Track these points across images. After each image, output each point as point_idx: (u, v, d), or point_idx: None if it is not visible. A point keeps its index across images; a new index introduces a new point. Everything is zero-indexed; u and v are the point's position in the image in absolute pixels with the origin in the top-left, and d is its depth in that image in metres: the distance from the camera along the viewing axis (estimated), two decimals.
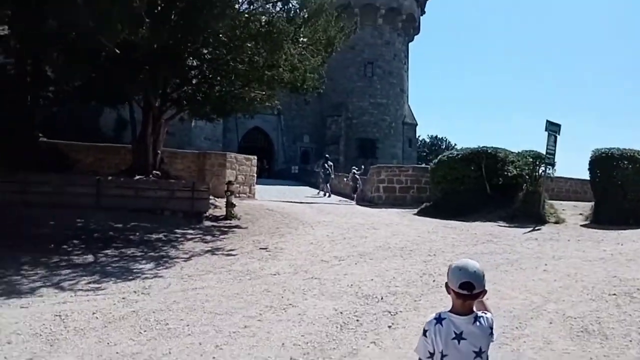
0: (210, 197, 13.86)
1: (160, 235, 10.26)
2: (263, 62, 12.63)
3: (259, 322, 5.30)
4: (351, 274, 7.48)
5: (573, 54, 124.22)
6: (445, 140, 60.34)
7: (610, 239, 10.47)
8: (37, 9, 10.59)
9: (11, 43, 13.30)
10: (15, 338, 4.64)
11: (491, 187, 15.32)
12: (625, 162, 13.22)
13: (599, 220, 12.89)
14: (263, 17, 12.48)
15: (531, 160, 15.35)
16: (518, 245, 9.83)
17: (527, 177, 15.18)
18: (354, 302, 6.08)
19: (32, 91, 13.81)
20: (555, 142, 14.26)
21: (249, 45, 12.30)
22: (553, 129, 14.18)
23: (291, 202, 17.33)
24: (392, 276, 7.36)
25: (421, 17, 44.61)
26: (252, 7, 12.55)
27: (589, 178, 14.37)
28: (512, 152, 16.20)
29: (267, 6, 12.81)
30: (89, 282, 6.83)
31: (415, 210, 15.73)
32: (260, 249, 9.46)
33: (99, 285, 6.67)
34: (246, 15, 12.10)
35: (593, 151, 13.90)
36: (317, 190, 23.78)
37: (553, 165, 14.70)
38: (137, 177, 13.09)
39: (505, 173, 15.43)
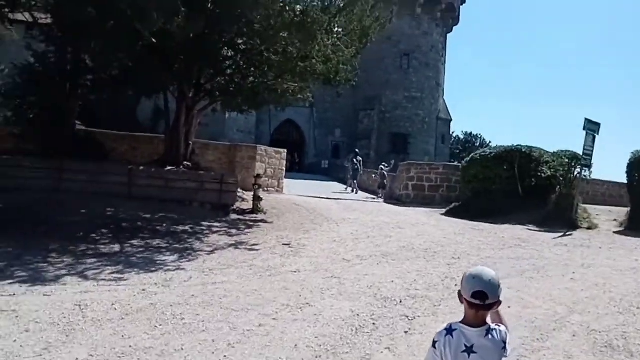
0: (239, 189, 13.95)
1: (187, 227, 10.39)
2: (297, 53, 12.57)
3: (274, 320, 5.31)
4: (372, 275, 7.41)
5: (629, 46, 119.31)
6: (480, 138, 58.97)
7: None
8: None
9: (53, 31, 13.69)
10: (34, 326, 4.76)
11: (523, 188, 14.89)
12: None
13: (634, 227, 12.35)
14: (298, 6, 12.40)
15: (567, 161, 14.86)
16: (547, 251, 9.56)
17: (561, 178, 14.70)
18: (372, 304, 6.03)
19: (71, 80, 14.16)
20: (593, 142, 13.63)
21: (283, 35, 12.25)
22: (592, 128, 13.50)
23: (318, 197, 17.29)
24: (413, 278, 7.26)
25: (461, 7, 43.39)
26: None
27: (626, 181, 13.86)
28: (547, 152, 15.69)
29: None
30: (113, 272, 6.97)
31: (444, 210, 15.49)
32: (283, 244, 9.47)
33: (122, 276, 6.80)
34: (281, 4, 12.05)
35: (633, 153, 13.36)
36: (345, 186, 23.69)
37: (589, 167, 14.11)
38: (168, 167, 13.27)
39: (539, 174, 14.95)
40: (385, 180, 20.45)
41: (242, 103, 15.52)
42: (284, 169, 18.88)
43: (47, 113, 13.51)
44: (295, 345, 4.69)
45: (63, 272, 6.86)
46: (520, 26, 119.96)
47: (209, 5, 11.89)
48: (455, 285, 6.88)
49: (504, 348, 2.25)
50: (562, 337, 5.18)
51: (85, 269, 7.10)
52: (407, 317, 5.62)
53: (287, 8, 12.07)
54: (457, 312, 5.62)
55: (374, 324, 5.36)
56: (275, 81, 13.97)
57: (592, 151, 13.71)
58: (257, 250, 9.00)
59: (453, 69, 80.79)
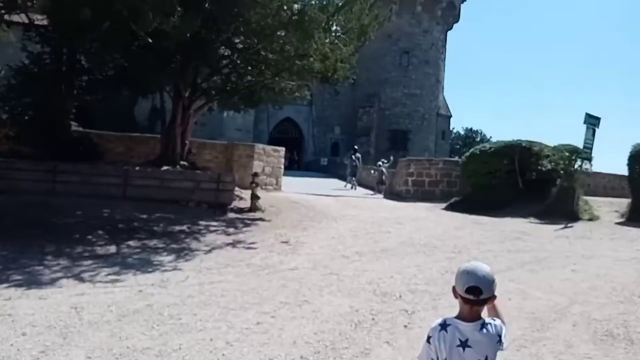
0: (237, 188, 13.86)
1: (184, 227, 10.30)
2: (294, 52, 12.48)
3: (272, 318, 5.24)
4: (371, 270, 7.35)
5: (626, 40, 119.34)
6: (480, 133, 59.11)
7: None
8: None
9: (49, 32, 13.60)
10: (30, 330, 4.69)
11: (524, 182, 14.89)
12: None
13: (635, 218, 12.39)
14: (295, 4, 12.30)
15: (567, 154, 14.82)
16: (547, 243, 9.51)
17: (561, 172, 14.69)
18: (371, 299, 5.97)
19: (66, 80, 14.08)
20: (593, 135, 13.83)
21: (280, 34, 12.17)
22: (592, 122, 13.79)
23: (317, 194, 17.23)
24: (413, 273, 7.20)
25: (462, 5, 43.26)
26: None
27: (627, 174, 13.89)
28: (547, 146, 15.68)
29: None
30: (109, 274, 6.89)
31: (444, 205, 15.42)
32: (282, 242, 9.40)
33: (118, 277, 6.72)
34: (278, 3, 11.96)
35: (634, 146, 13.44)
36: (345, 183, 23.63)
37: (590, 160, 14.23)
38: (164, 167, 13.19)
39: (540, 168, 14.97)
40: (383, 177, 20.38)
41: (238, 102, 15.42)
42: (283, 167, 18.80)
43: (43, 114, 13.42)
44: (294, 342, 4.63)
45: (59, 274, 6.77)
46: (521, 23, 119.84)
47: (205, 5, 11.79)
48: None
49: (500, 341, 2.23)
50: (563, 327, 5.15)
51: (81, 271, 7.01)
52: (407, 311, 5.56)
53: (285, 7, 11.97)
54: (456, 305, 5.52)
55: (373, 319, 5.30)
56: (272, 80, 13.87)
57: (593, 144, 13.88)
58: (254, 248, 8.93)
59: (453, 65, 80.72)
